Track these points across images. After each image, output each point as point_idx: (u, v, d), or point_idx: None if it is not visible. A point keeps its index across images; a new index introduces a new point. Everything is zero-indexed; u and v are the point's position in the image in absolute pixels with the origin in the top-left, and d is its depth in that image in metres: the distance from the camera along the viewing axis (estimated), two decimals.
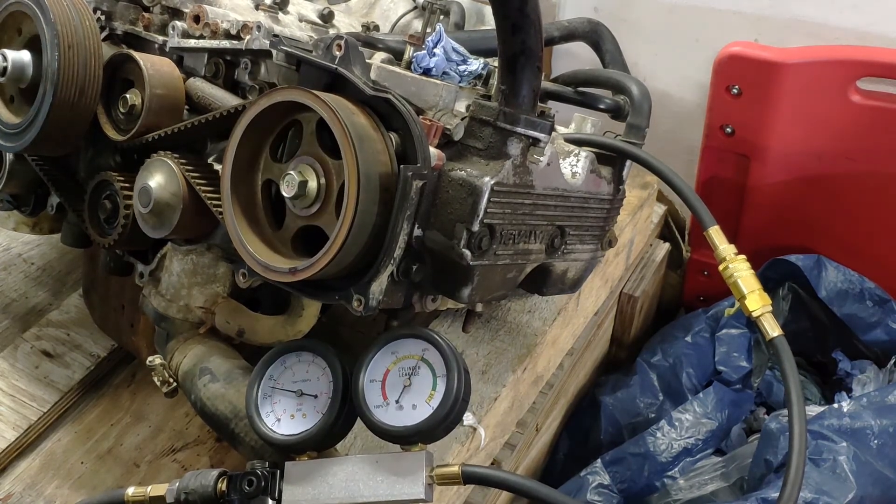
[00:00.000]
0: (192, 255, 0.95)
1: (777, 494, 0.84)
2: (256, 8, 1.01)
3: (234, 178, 0.79)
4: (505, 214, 0.80)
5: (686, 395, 1.56)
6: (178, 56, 0.95)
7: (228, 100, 0.89)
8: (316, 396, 0.78)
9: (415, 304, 0.84)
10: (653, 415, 1.58)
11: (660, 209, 1.78)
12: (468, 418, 1.05)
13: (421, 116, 0.78)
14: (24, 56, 0.89)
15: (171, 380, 0.92)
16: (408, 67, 0.89)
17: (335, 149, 0.72)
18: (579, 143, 1.00)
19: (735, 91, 1.51)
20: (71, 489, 1.01)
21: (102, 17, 0.99)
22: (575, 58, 1.64)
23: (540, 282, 0.95)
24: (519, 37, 0.74)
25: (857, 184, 1.56)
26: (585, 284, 1.07)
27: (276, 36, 0.86)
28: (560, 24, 1.27)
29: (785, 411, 0.90)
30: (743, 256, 0.98)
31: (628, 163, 1.02)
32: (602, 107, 1.12)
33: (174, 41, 0.94)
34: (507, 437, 1.24)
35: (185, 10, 0.95)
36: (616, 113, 1.11)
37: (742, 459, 1.46)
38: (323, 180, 0.75)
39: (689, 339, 1.63)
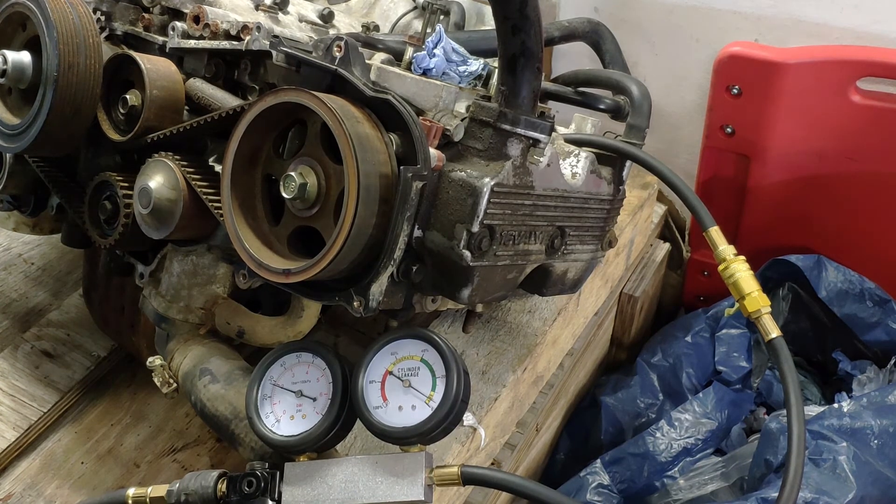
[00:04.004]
0: (192, 255, 0.95)
1: (777, 494, 0.84)
2: (256, 8, 1.01)
3: (234, 173, 0.79)
4: (505, 215, 0.80)
5: (686, 395, 1.56)
6: (179, 57, 0.95)
7: (228, 100, 0.89)
8: (315, 398, 0.79)
9: (415, 305, 0.84)
10: (653, 415, 1.58)
11: (660, 209, 1.78)
12: (468, 419, 1.05)
13: (421, 117, 0.78)
14: (24, 57, 0.89)
15: (172, 381, 0.92)
16: (408, 68, 0.89)
17: (336, 150, 0.72)
18: (579, 143, 1.00)
19: (735, 91, 1.51)
20: (71, 489, 1.01)
21: (102, 18, 0.99)
22: (575, 58, 1.64)
23: (540, 282, 0.95)
24: (519, 37, 0.74)
25: (857, 184, 1.56)
26: (585, 285, 1.07)
27: (275, 37, 0.86)
28: (560, 24, 1.27)
29: (785, 411, 0.90)
30: (742, 257, 0.98)
31: (628, 163, 1.02)
32: (602, 107, 1.12)
33: (174, 42, 0.94)
34: (507, 437, 1.24)
35: (185, 11, 0.95)
36: (616, 113, 1.11)
37: (742, 459, 1.46)
38: (323, 183, 0.75)
39: (689, 339, 1.63)
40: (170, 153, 0.88)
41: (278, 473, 0.77)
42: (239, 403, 0.85)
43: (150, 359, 0.94)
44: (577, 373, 1.53)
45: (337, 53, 0.79)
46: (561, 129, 1.05)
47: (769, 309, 0.95)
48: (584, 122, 1.08)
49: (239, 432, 0.84)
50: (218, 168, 0.90)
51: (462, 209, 0.76)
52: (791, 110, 1.50)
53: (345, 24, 1.16)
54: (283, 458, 0.79)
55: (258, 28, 0.87)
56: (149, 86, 0.88)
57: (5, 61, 0.88)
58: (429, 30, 1.15)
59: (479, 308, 1.00)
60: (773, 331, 0.94)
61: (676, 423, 1.48)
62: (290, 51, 0.83)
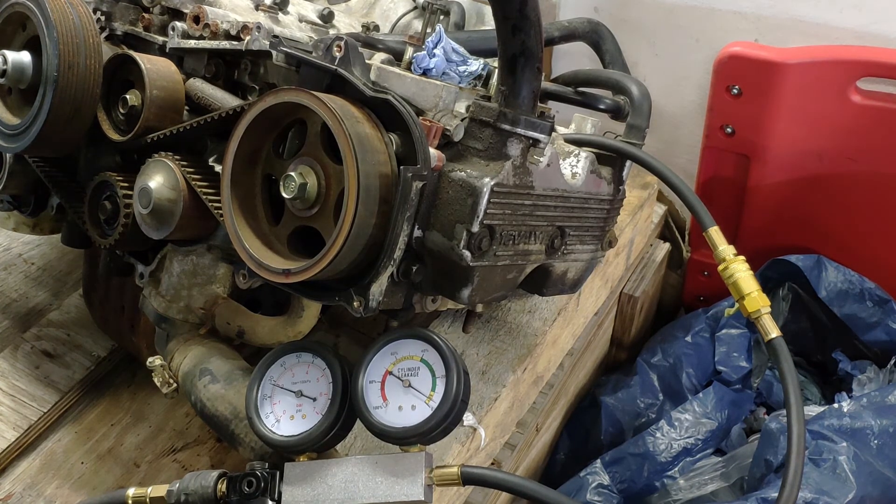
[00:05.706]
0: (192, 255, 0.95)
1: (777, 494, 0.84)
2: (256, 8, 1.01)
3: (234, 173, 0.79)
4: (505, 215, 0.80)
5: (686, 395, 1.56)
6: (179, 57, 0.95)
7: (228, 100, 0.89)
8: (315, 398, 0.79)
9: (415, 305, 0.84)
10: (653, 415, 1.58)
11: (660, 209, 1.78)
12: (468, 419, 1.05)
13: (421, 117, 0.78)
14: (24, 57, 0.89)
15: (172, 381, 0.92)
16: (408, 68, 0.88)
17: (336, 150, 0.72)
18: (579, 143, 1.00)
19: (735, 91, 1.51)
20: (71, 489, 1.01)
21: (102, 18, 0.99)
22: (575, 58, 1.64)
23: (540, 282, 0.95)
24: (519, 38, 0.74)
25: (857, 184, 1.56)
26: (585, 285, 1.07)
27: (275, 37, 0.86)
28: (560, 24, 1.27)
29: (785, 411, 0.90)
30: (742, 257, 0.98)
31: (628, 163, 1.02)
32: (602, 107, 1.12)
33: (174, 42, 0.94)
34: (507, 437, 1.24)
35: (185, 11, 0.95)
36: (616, 113, 1.11)
37: (742, 459, 1.46)
38: (323, 183, 0.75)
39: (689, 339, 1.63)
40: (170, 153, 0.88)
41: (278, 473, 0.77)
42: (239, 403, 0.85)
43: (150, 359, 0.94)
44: (577, 373, 1.53)
45: (337, 53, 0.79)
46: (561, 129, 1.05)
47: (769, 309, 0.95)
48: (584, 122, 1.08)
49: (239, 432, 0.84)
50: (218, 168, 0.90)
51: (462, 209, 0.76)
52: (791, 110, 1.50)
53: (345, 24, 1.16)
54: (283, 458, 0.79)
55: (258, 28, 0.87)
56: (149, 86, 0.88)
57: (5, 61, 0.88)
58: (429, 30, 1.14)
59: (479, 308, 1.00)
60: (772, 331, 0.94)
61: (676, 423, 1.48)
62: (289, 51, 0.83)
